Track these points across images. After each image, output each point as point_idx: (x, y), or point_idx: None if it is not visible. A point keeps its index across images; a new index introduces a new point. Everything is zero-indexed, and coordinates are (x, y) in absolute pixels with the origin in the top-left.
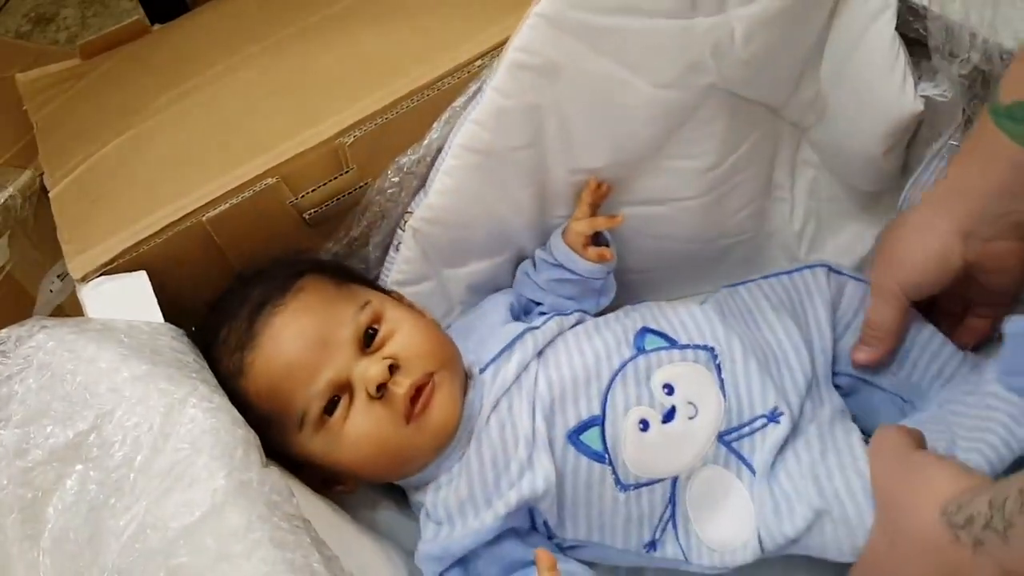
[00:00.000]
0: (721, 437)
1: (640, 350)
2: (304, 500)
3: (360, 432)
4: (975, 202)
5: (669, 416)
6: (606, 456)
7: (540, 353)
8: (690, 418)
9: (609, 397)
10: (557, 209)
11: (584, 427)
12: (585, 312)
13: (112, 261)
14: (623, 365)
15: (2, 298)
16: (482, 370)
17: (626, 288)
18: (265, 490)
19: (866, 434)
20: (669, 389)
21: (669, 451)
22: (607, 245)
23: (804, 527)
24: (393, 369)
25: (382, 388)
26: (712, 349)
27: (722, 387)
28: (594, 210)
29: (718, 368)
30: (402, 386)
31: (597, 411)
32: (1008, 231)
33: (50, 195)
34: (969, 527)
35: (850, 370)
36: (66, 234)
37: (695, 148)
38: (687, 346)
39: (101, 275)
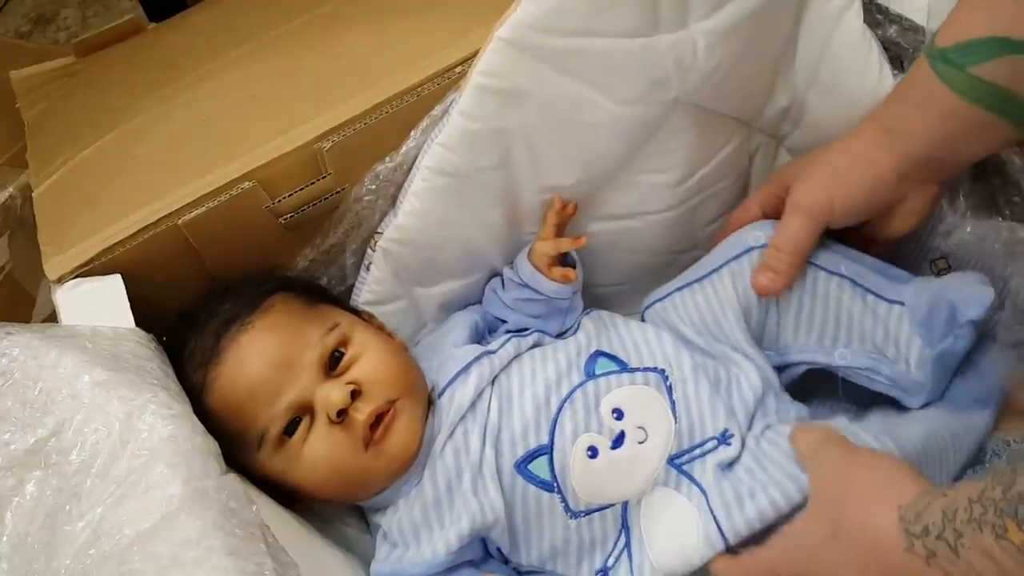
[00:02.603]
0: (671, 460)
1: (590, 375)
2: (268, 510)
3: (318, 455)
4: (915, 146)
5: (618, 442)
6: (554, 485)
7: (494, 379)
8: (639, 443)
9: (557, 426)
10: (528, 227)
11: (532, 456)
12: (545, 333)
13: (88, 263)
14: (572, 392)
15: (2, 298)
16: (440, 394)
17: (599, 301)
18: (222, 497)
19: None
20: (618, 414)
21: (618, 477)
22: (573, 265)
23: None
24: (355, 394)
25: (343, 413)
26: (663, 371)
27: (673, 409)
28: (559, 230)
29: (669, 390)
30: (362, 412)
31: (545, 440)
32: (933, 175)
33: (33, 195)
34: (924, 537)
35: (804, 358)
36: (45, 235)
37: (663, 162)
38: (637, 369)
39: (76, 277)
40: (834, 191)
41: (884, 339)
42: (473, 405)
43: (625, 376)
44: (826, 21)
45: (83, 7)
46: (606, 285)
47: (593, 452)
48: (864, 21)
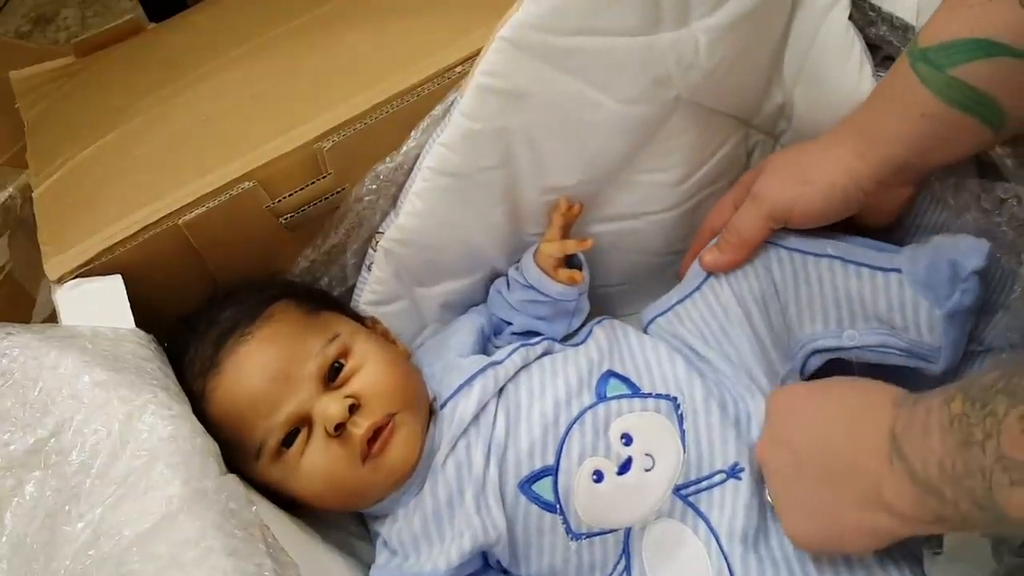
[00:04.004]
0: (678, 490)
1: (601, 397)
2: (267, 512)
3: (315, 468)
4: (895, 151)
5: (625, 467)
6: (557, 506)
7: (501, 390)
8: (646, 470)
9: (564, 447)
10: (530, 227)
11: (536, 476)
12: (552, 340)
13: (88, 263)
14: (582, 413)
15: (2, 298)
16: (442, 405)
17: (601, 301)
18: (222, 498)
19: None
20: (627, 439)
21: (622, 503)
22: (579, 267)
23: None
24: (354, 408)
25: (340, 427)
26: (675, 399)
27: (683, 438)
28: (565, 231)
29: (680, 419)
30: (360, 427)
31: (551, 461)
32: (909, 179)
33: (33, 195)
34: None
35: (818, 347)
36: (45, 235)
37: (665, 161)
38: (649, 395)
39: (76, 277)
40: (799, 192)
41: (888, 309)
42: (476, 419)
43: (636, 401)
44: (814, 16)
45: (83, 7)
46: (607, 285)
47: (599, 476)
48: (856, 20)
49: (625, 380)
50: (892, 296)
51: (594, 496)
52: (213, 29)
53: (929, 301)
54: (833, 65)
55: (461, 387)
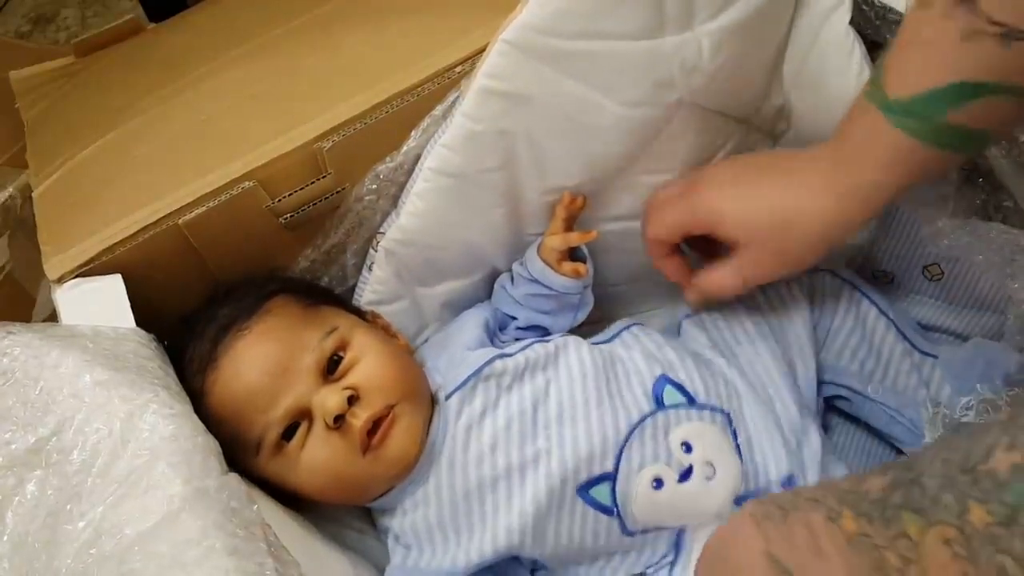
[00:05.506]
0: (738, 500)
1: (660, 405)
2: (269, 510)
3: (316, 461)
4: (875, 207)
5: (686, 475)
6: (615, 509)
7: (520, 383)
8: (707, 479)
9: (624, 453)
10: (530, 228)
11: (595, 482)
12: (553, 330)
13: (88, 263)
14: (643, 419)
15: (2, 298)
16: (448, 396)
17: (603, 301)
18: (223, 497)
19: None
20: (687, 447)
21: (682, 509)
22: (583, 260)
23: None
24: (353, 400)
25: (340, 419)
26: (728, 414)
27: (738, 451)
28: (569, 224)
29: (734, 433)
30: (360, 418)
31: (610, 467)
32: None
33: (33, 195)
34: (766, 506)
35: (841, 381)
36: (45, 235)
37: (666, 163)
38: (704, 406)
39: (76, 277)
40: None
41: (917, 384)
42: (485, 411)
43: (694, 411)
44: (816, 19)
45: (83, 7)
46: (608, 286)
47: (659, 483)
48: (861, 27)
49: (680, 388)
50: (923, 372)
51: (653, 502)
52: (213, 29)
53: (952, 388)
54: (832, 68)
55: (469, 378)
